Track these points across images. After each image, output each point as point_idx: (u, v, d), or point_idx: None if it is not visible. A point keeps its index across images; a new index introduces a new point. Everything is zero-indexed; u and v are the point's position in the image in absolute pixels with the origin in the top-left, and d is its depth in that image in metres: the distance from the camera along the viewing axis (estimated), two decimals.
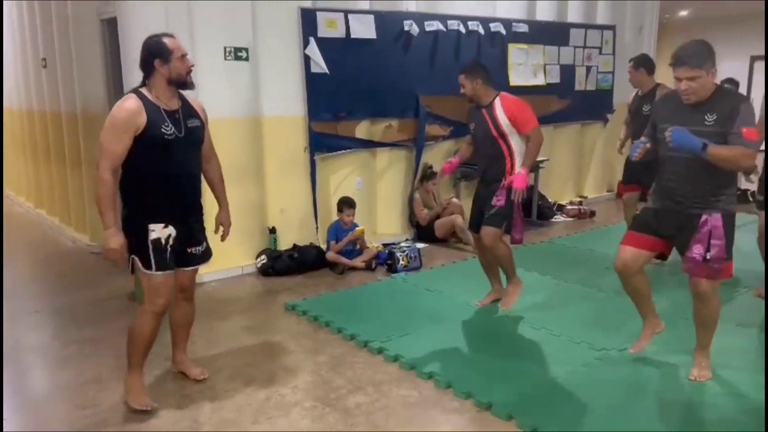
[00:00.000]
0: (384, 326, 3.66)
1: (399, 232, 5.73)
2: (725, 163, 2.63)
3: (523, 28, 6.35)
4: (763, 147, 3.98)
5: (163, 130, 2.56)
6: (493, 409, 2.73)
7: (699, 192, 2.76)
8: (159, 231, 2.61)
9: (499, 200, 3.73)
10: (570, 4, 6.91)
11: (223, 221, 3.01)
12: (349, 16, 5.08)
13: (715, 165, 2.64)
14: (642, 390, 2.91)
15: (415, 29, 5.48)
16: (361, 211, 5.24)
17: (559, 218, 6.71)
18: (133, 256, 2.63)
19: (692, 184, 2.76)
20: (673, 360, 3.15)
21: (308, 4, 4.91)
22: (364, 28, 5.17)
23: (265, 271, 4.74)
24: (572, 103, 7.02)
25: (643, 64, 4.84)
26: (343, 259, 4.85)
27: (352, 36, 5.08)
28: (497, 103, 3.68)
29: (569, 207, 6.89)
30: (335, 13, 5.01)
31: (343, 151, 5.27)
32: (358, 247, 5.01)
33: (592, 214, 6.82)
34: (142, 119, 2.51)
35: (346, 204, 4.97)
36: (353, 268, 4.85)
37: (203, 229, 2.88)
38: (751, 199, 6.25)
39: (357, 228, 4.93)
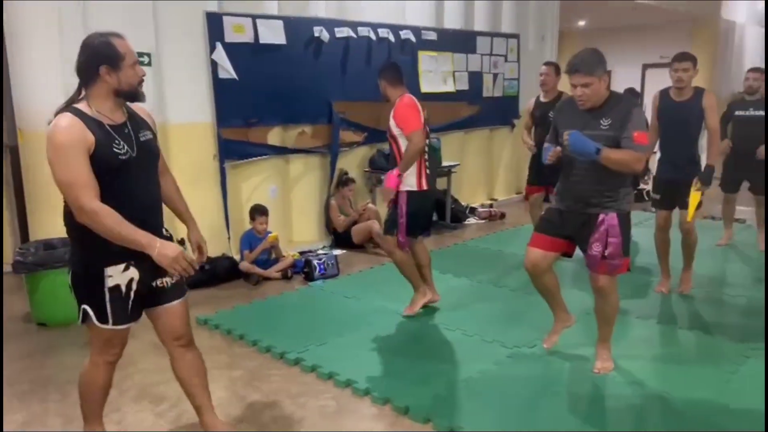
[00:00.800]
0: (301, 336, 3.60)
1: (316, 239, 5.68)
2: (617, 166, 2.80)
3: (432, 35, 6.49)
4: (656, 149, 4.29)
5: (115, 149, 2.03)
6: (411, 413, 2.75)
7: (597, 192, 2.90)
8: (118, 276, 2.11)
9: (389, 205, 3.80)
10: (476, 12, 7.13)
11: (198, 239, 2.45)
12: (258, 21, 4.99)
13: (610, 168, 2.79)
14: (552, 384, 3.03)
15: (325, 35, 5.47)
16: (276, 219, 5.15)
17: (471, 221, 6.89)
18: (84, 306, 2.13)
19: (591, 185, 2.90)
20: (582, 353, 3.29)
21: (214, 8, 4.78)
22: (273, 34, 5.09)
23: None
24: (481, 109, 7.24)
25: (559, 70, 5.03)
26: (258, 269, 4.74)
27: (261, 41, 5.00)
28: (395, 106, 3.74)
29: (481, 209, 7.10)
30: (243, 17, 4.91)
31: (256, 158, 5.16)
32: (273, 256, 4.91)
33: (503, 215, 7.05)
34: (90, 138, 1.98)
35: (258, 212, 4.86)
36: (269, 278, 4.75)
37: None
38: (646, 198, 6.67)
39: (270, 234, 4.83)
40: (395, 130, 3.70)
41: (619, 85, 15.00)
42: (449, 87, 6.82)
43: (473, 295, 4.36)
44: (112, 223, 1.97)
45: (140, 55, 4.30)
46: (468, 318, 3.88)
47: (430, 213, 4.11)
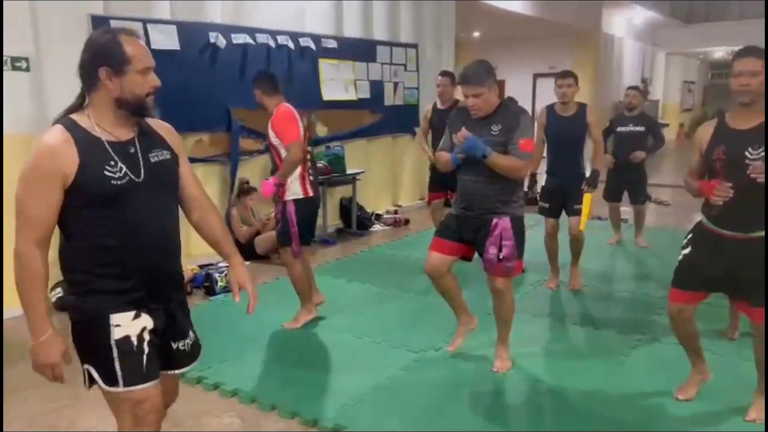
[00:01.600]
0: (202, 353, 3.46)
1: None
2: (502, 171, 2.94)
3: (332, 44, 6.49)
4: (545, 156, 4.54)
5: (107, 173, 1.67)
6: (319, 424, 2.72)
7: (491, 198, 3.02)
8: (127, 325, 1.73)
9: (277, 216, 3.78)
10: (375, 22, 7.22)
11: (243, 280, 1.96)
12: (149, 25, 4.78)
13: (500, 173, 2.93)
14: (456, 386, 3.10)
15: (222, 41, 5.33)
16: None
17: (377, 227, 6.96)
18: (86, 366, 1.75)
19: (485, 191, 3.02)
20: (484, 353, 3.40)
21: (99, 10, 4.52)
22: (165, 39, 4.90)
23: (62, 307, 4.23)
24: (383, 117, 7.34)
25: (455, 79, 5.19)
26: None
27: (153, 47, 4.77)
28: (273, 115, 3.71)
29: (386, 216, 7.19)
30: (132, 21, 4.67)
31: None
32: None
33: (407, 221, 7.17)
34: (71, 162, 1.63)
35: None
36: None
37: (188, 313, 1.98)
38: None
39: None
40: (274, 140, 3.67)
41: (512, 93, 15.76)
42: (351, 95, 6.86)
43: (379, 301, 4.40)
44: (23, 276, 1.64)
45: (17, 60, 4.03)
46: (375, 324, 3.91)
47: (316, 219, 4.07)
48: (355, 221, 6.67)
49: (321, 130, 6.42)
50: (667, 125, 17.62)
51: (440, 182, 4.99)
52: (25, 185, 1.65)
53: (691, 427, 2.71)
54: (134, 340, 1.73)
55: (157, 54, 1.71)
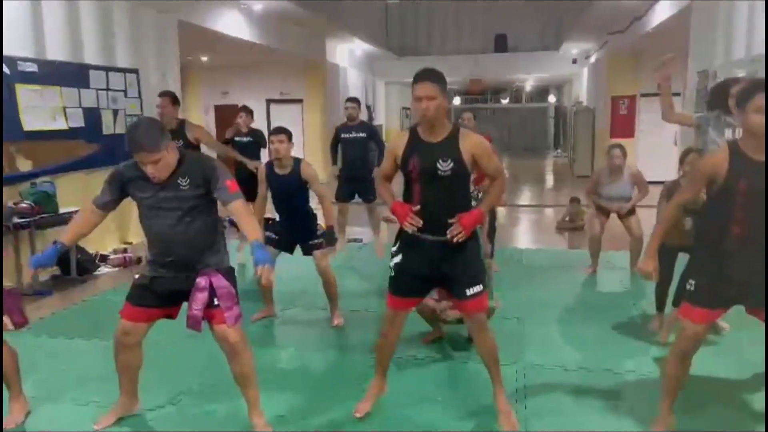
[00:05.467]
0: None
1: None
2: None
3: (32, 67, 5.70)
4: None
5: None
6: None
7: (198, 253, 2.82)
8: None
9: None
10: (86, 44, 6.54)
11: None
12: None
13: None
14: None
15: None
16: None
17: (104, 269, 6.27)
18: None
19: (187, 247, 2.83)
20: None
21: None
22: None
23: None
24: (103, 148, 6.66)
25: (177, 100, 5.06)
26: None
27: None
28: None
29: (113, 256, 6.52)
30: None
31: None
32: None
33: (140, 260, 6.60)
34: None
35: None
36: None
37: None
38: None
39: None
40: None
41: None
42: (61, 124, 6.09)
43: (102, 361, 3.91)
44: None
45: None
46: (97, 387, 3.44)
47: None
48: (75, 265, 5.90)
49: (23, 165, 5.56)
50: None
51: None
52: None
53: None
54: None
55: None
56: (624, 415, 3.14)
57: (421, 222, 2.73)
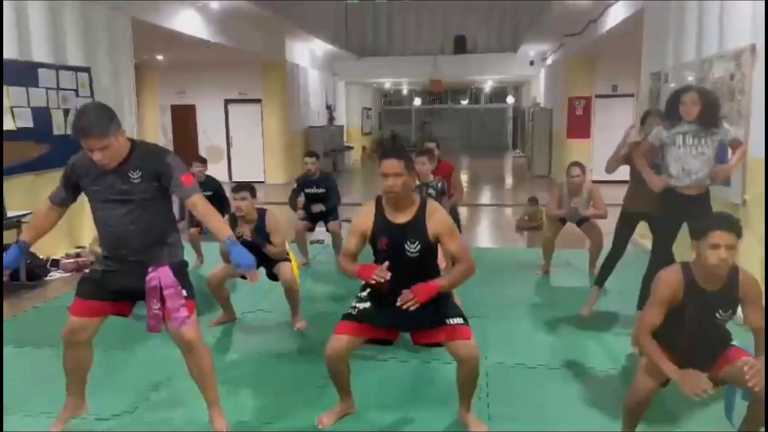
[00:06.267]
0: None
1: None
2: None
3: None
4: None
5: None
6: None
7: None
8: None
9: None
10: (34, 42, 6.30)
11: None
12: None
13: None
14: None
15: None
16: None
17: (55, 275, 6.06)
18: None
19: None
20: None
21: None
22: None
23: None
24: (53, 148, 6.42)
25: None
26: None
27: None
28: None
29: (66, 261, 6.30)
30: None
31: None
32: None
33: (93, 263, 6.38)
34: None
35: None
36: None
37: None
38: None
39: None
40: None
41: (204, 119, 15.57)
42: (8, 125, 5.85)
43: (54, 371, 3.76)
44: None
45: None
46: (49, 398, 3.30)
47: None
48: (25, 271, 5.68)
49: None
50: (352, 148, 19.39)
51: None
52: None
53: None
54: None
55: None
56: (588, 410, 3.19)
57: (388, 275, 2.66)
